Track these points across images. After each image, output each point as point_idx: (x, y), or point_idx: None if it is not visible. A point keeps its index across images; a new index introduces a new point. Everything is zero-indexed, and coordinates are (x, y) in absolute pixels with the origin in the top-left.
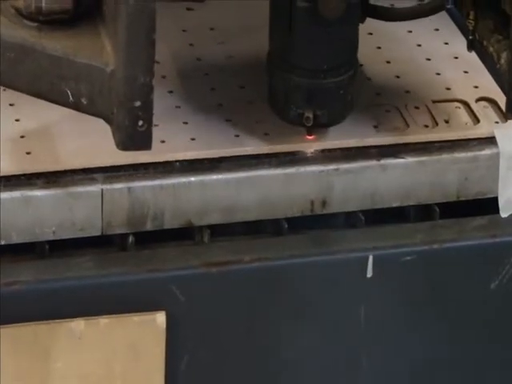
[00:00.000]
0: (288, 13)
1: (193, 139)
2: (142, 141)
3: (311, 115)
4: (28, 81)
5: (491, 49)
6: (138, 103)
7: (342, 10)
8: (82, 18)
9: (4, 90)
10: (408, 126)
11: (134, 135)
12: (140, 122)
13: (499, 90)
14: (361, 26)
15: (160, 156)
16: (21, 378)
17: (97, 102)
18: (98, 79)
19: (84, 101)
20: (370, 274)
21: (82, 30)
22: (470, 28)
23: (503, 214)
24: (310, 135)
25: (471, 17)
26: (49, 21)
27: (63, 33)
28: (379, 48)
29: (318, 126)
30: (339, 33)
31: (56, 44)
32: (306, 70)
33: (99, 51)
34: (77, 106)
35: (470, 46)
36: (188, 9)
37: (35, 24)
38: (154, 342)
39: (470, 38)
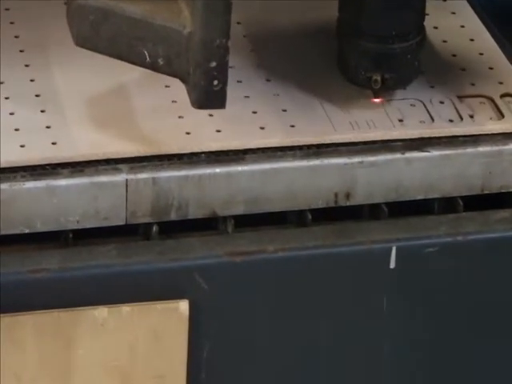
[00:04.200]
0: None
1: (218, 131)
2: (217, 100)
3: (379, 78)
4: (108, 43)
5: None
6: (213, 64)
7: None
8: None
9: (31, 80)
10: (433, 120)
11: (209, 94)
12: (215, 82)
13: None
14: None
15: (185, 147)
16: (44, 365)
17: (173, 63)
18: (175, 41)
19: (161, 61)
20: (392, 265)
21: None
22: None
23: None
24: (377, 97)
25: None
26: None
27: None
28: None
29: (386, 89)
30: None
31: (135, 7)
32: (375, 36)
33: (176, 14)
34: (153, 67)
35: None
36: None
37: None
38: (176, 330)
39: None
